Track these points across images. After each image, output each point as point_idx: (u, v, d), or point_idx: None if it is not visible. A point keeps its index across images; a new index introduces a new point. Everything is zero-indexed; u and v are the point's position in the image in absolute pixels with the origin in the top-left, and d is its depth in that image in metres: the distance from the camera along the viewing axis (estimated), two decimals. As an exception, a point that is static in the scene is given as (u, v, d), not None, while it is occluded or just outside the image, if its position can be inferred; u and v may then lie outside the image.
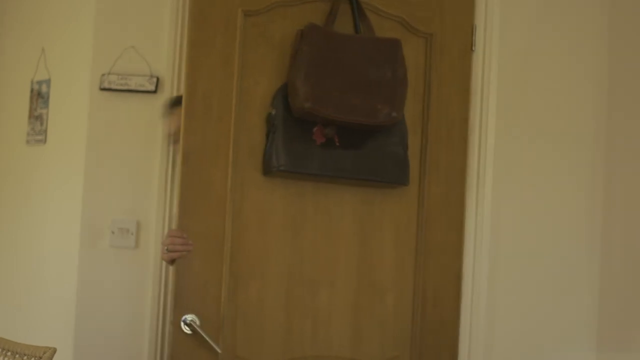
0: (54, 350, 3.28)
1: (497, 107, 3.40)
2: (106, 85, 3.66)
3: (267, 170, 3.09)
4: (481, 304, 3.35)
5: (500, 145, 3.40)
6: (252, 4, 3.11)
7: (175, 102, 3.33)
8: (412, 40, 3.30)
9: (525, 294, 3.41)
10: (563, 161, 3.45)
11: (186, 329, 2.99)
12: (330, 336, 3.21)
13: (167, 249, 2.99)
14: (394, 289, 3.28)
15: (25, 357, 3.31)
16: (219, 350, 2.98)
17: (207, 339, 2.97)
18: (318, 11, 3.16)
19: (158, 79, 3.68)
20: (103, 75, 3.67)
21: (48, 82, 3.96)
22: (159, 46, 3.70)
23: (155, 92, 3.67)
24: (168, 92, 3.67)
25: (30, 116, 4.02)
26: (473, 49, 3.40)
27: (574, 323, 3.43)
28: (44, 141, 3.94)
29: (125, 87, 3.67)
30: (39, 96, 3.99)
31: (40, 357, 3.26)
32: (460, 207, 3.37)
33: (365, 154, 3.13)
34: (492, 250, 3.37)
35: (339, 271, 3.22)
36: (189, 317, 3.00)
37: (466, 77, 3.39)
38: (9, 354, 3.37)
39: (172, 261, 3.02)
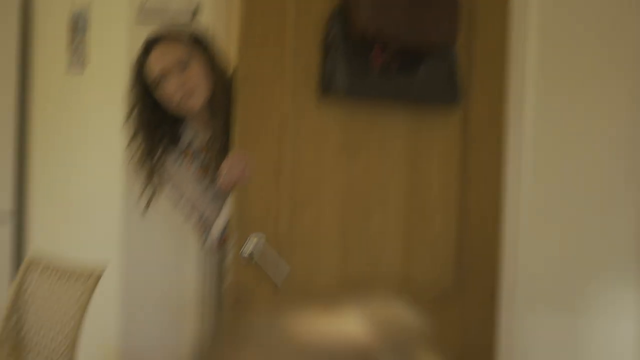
0: (103, 270, 3.17)
1: (537, 28, 3.22)
2: (145, 12, 3.50)
3: (325, 94, 2.91)
4: (522, 227, 3.22)
5: (542, 65, 3.22)
6: None
7: (158, 40, 3.04)
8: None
9: (566, 218, 3.28)
10: (609, 80, 3.29)
11: (248, 250, 2.85)
12: (383, 257, 3.09)
13: (225, 176, 2.84)
14: (441, 210, 3.17)
15: (74, 277, 3.21)
16: (286, 269, 2.86)
17: (274, 256, 2.84)
18: None
19: (198, 5, 3.52)
20: (142, 2, 3.51)
21: (87, 11, 3.80)
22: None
23: (194, 17, 3.51)
24: (207, 18, 3.50)
25: (69, 46, 3.88)
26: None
27: (615, 251, 3.29)
28: (83, 71, 3.81)
29: (165, 13, 3.51)
30: (77, 25, 3.83)
31: (90, 276, 3.16)
32: (502, 129, 3.23)
33: (421, 77, 2.97)
34: (533, 174, 3.23)
35: (390, 193, 3.09)
36: (253, 237, 2.86)
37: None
38: (58, 273, 3.28)
39: (232, 188, 2.86)
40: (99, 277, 3.14)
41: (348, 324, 0.96)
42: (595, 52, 3.26)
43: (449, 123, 3.15)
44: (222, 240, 3.04)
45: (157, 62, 2.99)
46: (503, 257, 3.26)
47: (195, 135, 3.11)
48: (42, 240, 4.26)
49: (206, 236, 3.09)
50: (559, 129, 3.26)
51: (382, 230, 3.09)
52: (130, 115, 3.07)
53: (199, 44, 3.03)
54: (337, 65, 2.87)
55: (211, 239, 3.06)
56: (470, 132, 3.18)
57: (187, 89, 2.98)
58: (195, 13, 3.50)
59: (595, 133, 3.27)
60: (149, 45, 3.02)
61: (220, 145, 2.99)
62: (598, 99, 3.26)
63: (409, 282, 3.13)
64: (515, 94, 3.24)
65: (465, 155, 3.19)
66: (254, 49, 2.86)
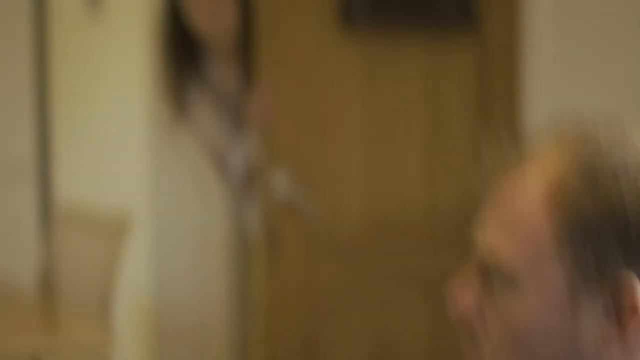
0: (133, 219, 3.06)
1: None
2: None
3: (345, 20, 2.79)
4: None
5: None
6: None
7: None
8: None
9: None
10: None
11: (277, 190, 2.74)
12: (407, 186, 2.98)
13: (252, 111, 2.72)
14: (461, 139, 3.04)
15: (105, 227, 3.09)
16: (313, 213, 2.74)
17: (300, 201, 2.71)
18: None
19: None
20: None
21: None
22: None
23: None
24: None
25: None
26: None
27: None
28: (103, 7, 3.65)
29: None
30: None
31: (121, 226, 3.04)
32: (518, 50, 3.06)
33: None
34: (552, 95, 3.07)
35: (410, 121, 2.97)
36: (279, 177, 2.75)
37: None
38: (88, 224, 3.17)
39: (256, 122, 2.74)
40: (130, 227, 3.01)
41: None
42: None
43: (465, 46, 3.02)
44: (244, 177, 2.93)
45: None
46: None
47: (218, 68, 2.99)
48: (68, 185, 4.13)
49: (226, 173, 2.97)
50: (578, 50, 3.09)
51: (404, 159, 2.98)
52: (159, 39, 2.97)
53: None
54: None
55: (232, 175, 2.95)
56: (487, 55, 3.04)
57: (217, 18, 2.87)
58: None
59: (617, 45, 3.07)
60: None
61: (246, 80, 2.86)
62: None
63: (432, 210, 3.02)
64: (531, 15, 3.05)
65: (482, 77, 3.05)
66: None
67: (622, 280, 0.89)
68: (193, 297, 3.49)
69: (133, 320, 3.56)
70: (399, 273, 2.98)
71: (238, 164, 2.95)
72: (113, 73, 3.69)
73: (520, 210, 0.92)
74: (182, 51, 2.96)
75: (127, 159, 3.64)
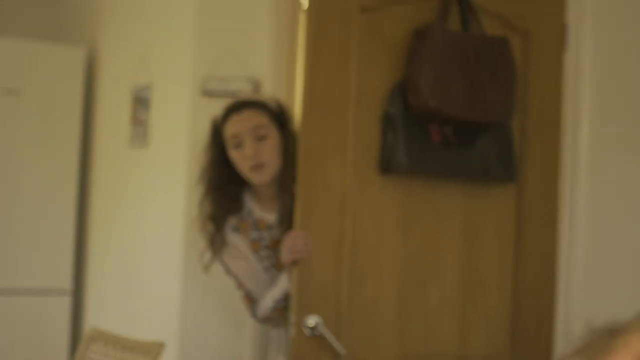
0: (163, 346, 3.03)
1: (590, 105, 3.08)
2: (207, 89, 3.38)
3: (387, 169, 2.76)
4: (576, 302, 3.03)
5: (594, 143, 3.07)
6: (368, 0, 2.78)
7: (242, 105, 2.94)
8: (510, 38, 2.96)
9: (620, 293, 3.07)
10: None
11: (307, 331, 2.68)
12: (439, 332, 2.92)
13: (288, 251, 2.68)
14: (496, 284, 3.00)
15: (134, 352, 3.07)
16: (342, 352, 2.67)
17: (332, 340, 2.66)
18: (428, 9, 2.83)
19: (257, 82, 3.39)
20: (204, 79, 3.38)
21: (149, 87, 3.69)
22: (259, 49, 3.41)
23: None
24: (268, 94, 3.38)
25: (132, 121, 3.76)
26: (566, 47, 3.08)
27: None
28: (147, 145, 3.68)
29: (226, 91, 3.38)
30: (140, 101, 3.71)
31: (150, 352, 3.02)
32: (555, 204, 3.06)
33: (478, 152, 2.83)
34: (587, 247, 3.05)
35: (446, 268, 2.92)
36: (311, 319, 2.68)
37: (559, 75, 3.07)
38: (119, 348, 3.14)
39: (293, 263, 2.70)
40: (159, 354, 2.97)
41: None
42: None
43: (504, 197, 3.00)
44: (274, 313, 2.89)
45: (235, 126, 2.90)
46: (557, 333, 3.08)
47: (255, 206, 2.97)
48: (98, 317, 4.10)
49: (254, 309, 2.94)
50: (612, 203, 3.08)
51: (439, 305, 2.93)
52: (202, 175, 2.95)
53: (280, 119, 2.91)
54: (398, 141, 2.74)
55: (260, 311, 2.91)
56: (525, 207, 3.03)
57: (259, 161, 2.86)
58: (255, 92, 3.37)
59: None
60: (233, 109, 2.91)
61: (287, 222, 2.83)
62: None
63: (466, 356, 2.96)
64: (568, 168, 3.09)
65: (520, 229, 3.03)
66: (315, 126, 2.73)
67: None
68: None
69: None
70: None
71: (270, 305, 2.90)
72: (152, 206, 3.69)
73: None
74: (224, 183, 2.95)
75: (159, 293, 3.60)
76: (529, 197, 3.02)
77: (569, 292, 3.07)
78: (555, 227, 3.07)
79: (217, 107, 3.35)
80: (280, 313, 2.89)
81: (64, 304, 4.35)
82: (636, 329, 0.97)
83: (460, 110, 2.71)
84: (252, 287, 2.95)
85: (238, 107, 2.93)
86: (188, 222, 3.35)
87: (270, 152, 2.88)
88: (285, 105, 3.03)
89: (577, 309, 3.05)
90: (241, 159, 2.88)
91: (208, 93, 3.38)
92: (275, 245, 2.92)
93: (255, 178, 2.89)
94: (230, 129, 2.90)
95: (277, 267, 2.92)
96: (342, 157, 2.74)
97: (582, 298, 3.06)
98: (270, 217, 2.97)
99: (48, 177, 4.32)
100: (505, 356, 3.01)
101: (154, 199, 3.66)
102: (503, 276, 3.00)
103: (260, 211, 2.97)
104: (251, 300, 2.96)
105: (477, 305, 2.97)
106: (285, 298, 2.83)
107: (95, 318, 4.14)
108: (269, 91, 3.35)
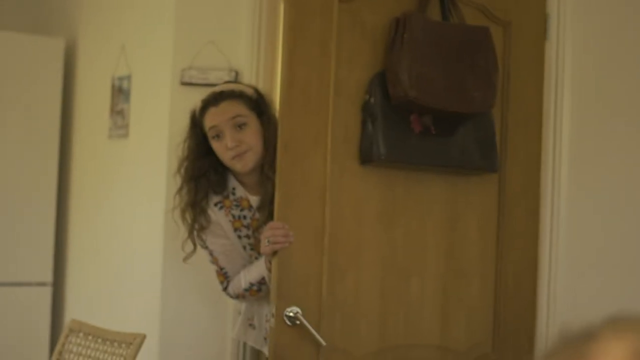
0: (144, 337, 3.01)
1: (572, 95, 3.06)
2: (187, 79, 3.34)
3: (366, 159, 2.74)
4: (558, 292, 3.02)
5: (575, 133, 3.05)
6: (346, -10, 2.75)
7: (219, 97, 2.91)
8: (491, 28, 2.94)
9: (602, 282, 3.06)
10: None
11: (288, 322, 2.66)
12: (421, 324, 2.89)
13: (268, 241, 2.65)
14: (478, 275, 2.98)
15: (115, 344, 3.04)
16: (322, 343, 2.65)
17: (312, 331, 2.63)
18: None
19: (237, 73, 3.36)
20: (183, 70, 3.35)
21: (129, 77, 3.65)
22: (238, 40, 3.38)
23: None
24: (245, 82, 3.34)
25: (112, 111, 3.72)
26: (547, 37, 3.06)
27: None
28: (126, 135, 3.64)
29: (205, 81, 3.34)
30: (120, 92, 3.68)
31: (131, 343, 2.99)
32: (537, 194, 3.05)
33: (458, 141, 2.80)
34: (569, 237, 3.03)
35: (428, 258, 2.90)
36: (291, 310, 2.66)
37: (541, 66, 3.05)
38: (99, 340, 3.12)
39: (273, 253, 2.68)
40: (140, 345, 2.95)
41: None
42: (632, 117, 3.07)
43: (485, 188, 2.98)
44: (246, 293, 2.91)
45: (214, 118, 2.88)
46: (540, 321, 3.07)
47: (239, 186, 2.96)
48: (79, 308, 4.07)
49: (226, 285, 2.93)
50: (593, 193, 3.06)
51: (420, 296, 2.91)
52: (181, 166, 2.92)
53: (259, 106, 2.88)
54: (377, 130, 2.71)
55: (233, 290, 2.89)
56: (507, 197, 3.01)
57: (241, 149, 2.84)
58: (231, 80, 3.34)
59: (632, 197, 3.07)
60: (210, 101, 2.87)
61: (268, 209, 2.81)
62: (636, 163, 3.06)
63: (448, 348, 2.94)
64: (549, 159, 3.07)
65: (502, 219, 3.01)
66: (295, 116, 2.71)
67: None
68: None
69: None
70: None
71: (243, 286, 2.90)
72: (132, 195, 3.67)
73: None
74: (205, 171, 2.92)
75: (140, 284, 3.58)
76: (510, 187, 3.01)
77: (551, 282, 3.06)
78: (537, 217, 3.06)
79: (197, 97, 3.32)
80: (253, 294, 2.90)
81: (45, 296, 4.31)
82: (614, 334, 0.94)
83: (441, 100, 2.68)
84: (227, 265, 2.96)
85: (215, 99, 2.90)
86: (168, 212, 3.33)
87: (251, 137, 2.87)
88: (263, 92, 3.00)
89: (559, 299, 3.04)
90: (222, 150, 2.87)
91: (188, 83, 3.35)
92: (255, 227, 2.92)
93: (237, 166, 2.88)
94: (209, 122, 2.88)
95: (256, 248, 2.92)
96: (322, 147, 2.72)
97: (564, 288, 3.04)
98: (253, 197, 2.96)
99: (28, 168, 4.28)
100: (488, 347, 3.00)
101: (134, 189, 3.63)
102: (485, 267, 2.98)
103: (244, 191, 2.97)
104: (224, 276, 2.96)
105: (458, 296, 2.95)
106: (260, 283, 2.85)
107: (75, 309, 4.11)
108: (248, 82, 3.32)
